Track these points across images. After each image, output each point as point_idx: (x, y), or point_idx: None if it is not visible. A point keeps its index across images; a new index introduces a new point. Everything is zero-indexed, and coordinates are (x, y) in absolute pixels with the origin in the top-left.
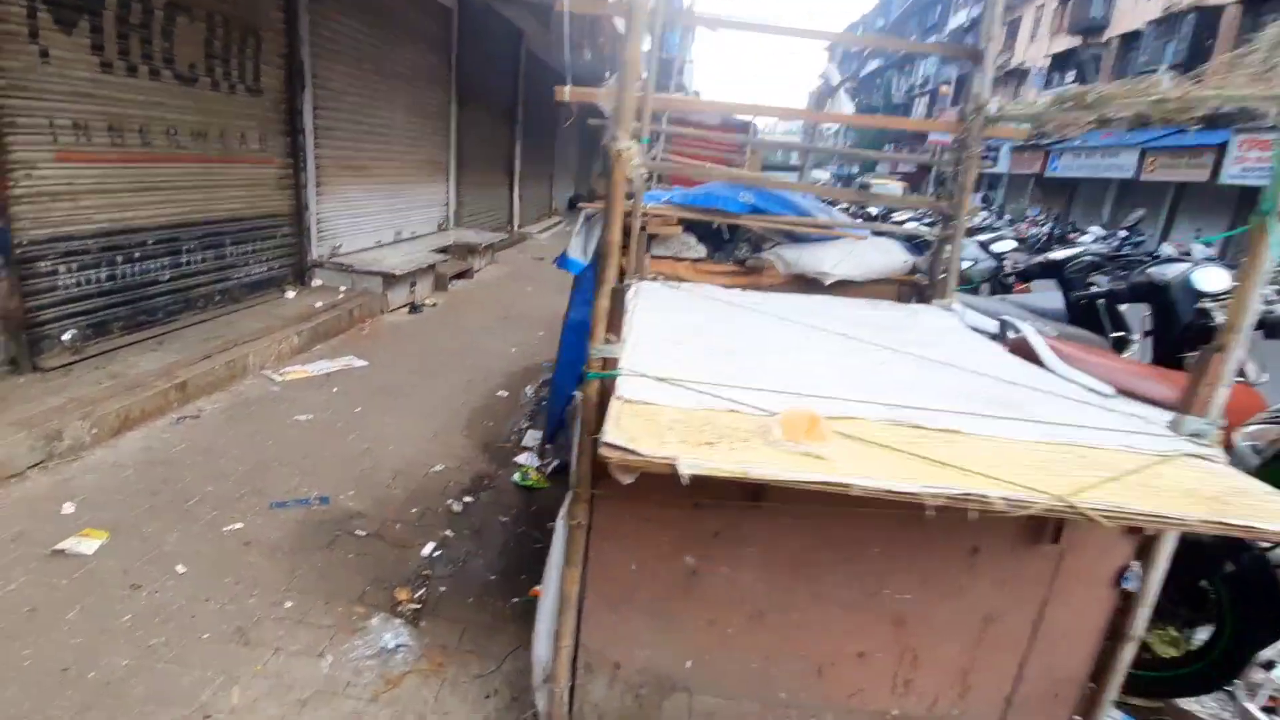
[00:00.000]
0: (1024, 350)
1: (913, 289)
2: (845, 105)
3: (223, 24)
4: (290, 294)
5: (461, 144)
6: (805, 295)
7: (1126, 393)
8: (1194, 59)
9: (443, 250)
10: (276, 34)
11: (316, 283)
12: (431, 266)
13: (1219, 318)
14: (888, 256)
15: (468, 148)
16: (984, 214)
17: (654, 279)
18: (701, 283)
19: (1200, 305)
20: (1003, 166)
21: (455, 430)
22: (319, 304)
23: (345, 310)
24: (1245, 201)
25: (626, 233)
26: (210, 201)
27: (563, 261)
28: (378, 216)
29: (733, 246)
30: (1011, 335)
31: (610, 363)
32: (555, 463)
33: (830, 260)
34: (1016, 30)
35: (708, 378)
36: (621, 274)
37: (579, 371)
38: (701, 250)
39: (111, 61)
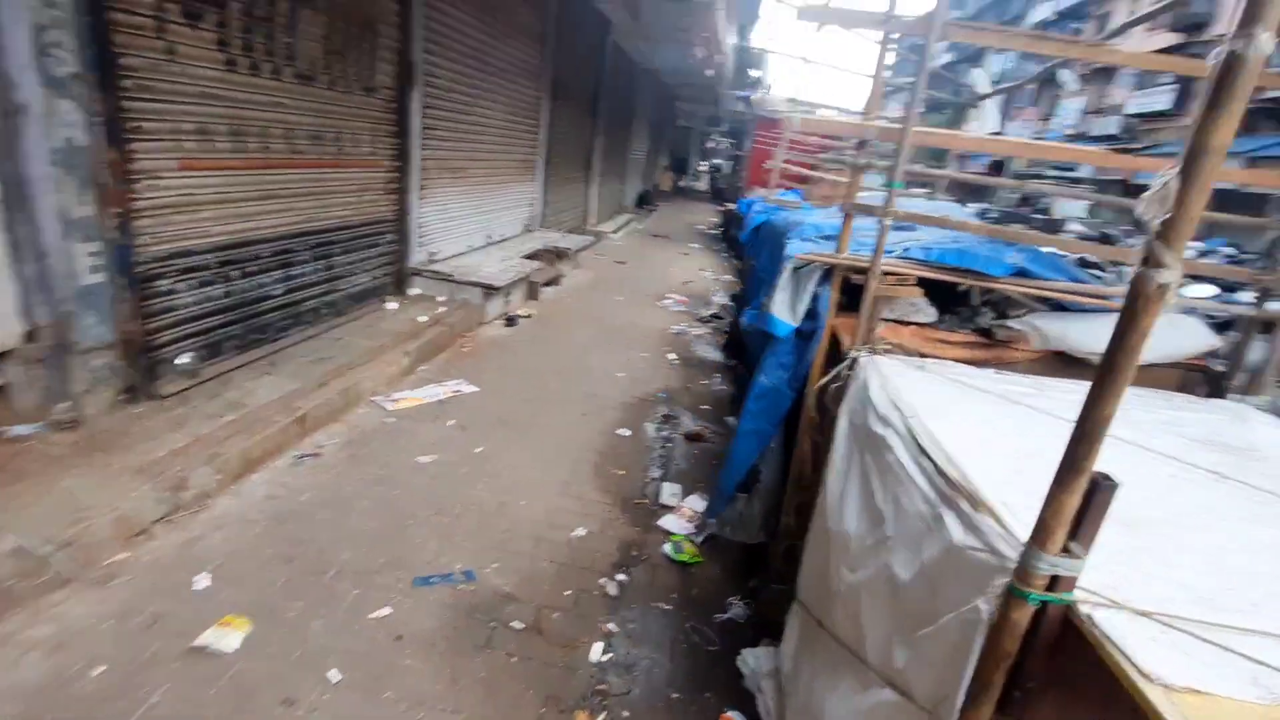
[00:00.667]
0: None
1: (1203, 376)
2: (991, 117)
3: (342, 17)
4: (392, 305)
5: (551, 141)
6: (1078, 385)
7: None
8: None
9: (532, 256)
10: (392, 28)
11: (414, 291)
12: (525, 275)
13: None
14: (1186, 337)
15: (556, 145)
16: None
17: (886, 351)
18: (939, 356)
19: None
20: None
21: (585, 479)
22: (422, 318)
23: (447, 325)
24: None
25: (849, 290)
26: (322, 209)
27: (764, 321)
28: (470, 220)
29: (971, 311)
30: None
31: (1064, 582)
32: (708, 533)
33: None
34: (1107, 23)
35: (1176, 596)
36: (834, 342)
37: (765, 443)
38: (932, 313)
39: (235, 59)
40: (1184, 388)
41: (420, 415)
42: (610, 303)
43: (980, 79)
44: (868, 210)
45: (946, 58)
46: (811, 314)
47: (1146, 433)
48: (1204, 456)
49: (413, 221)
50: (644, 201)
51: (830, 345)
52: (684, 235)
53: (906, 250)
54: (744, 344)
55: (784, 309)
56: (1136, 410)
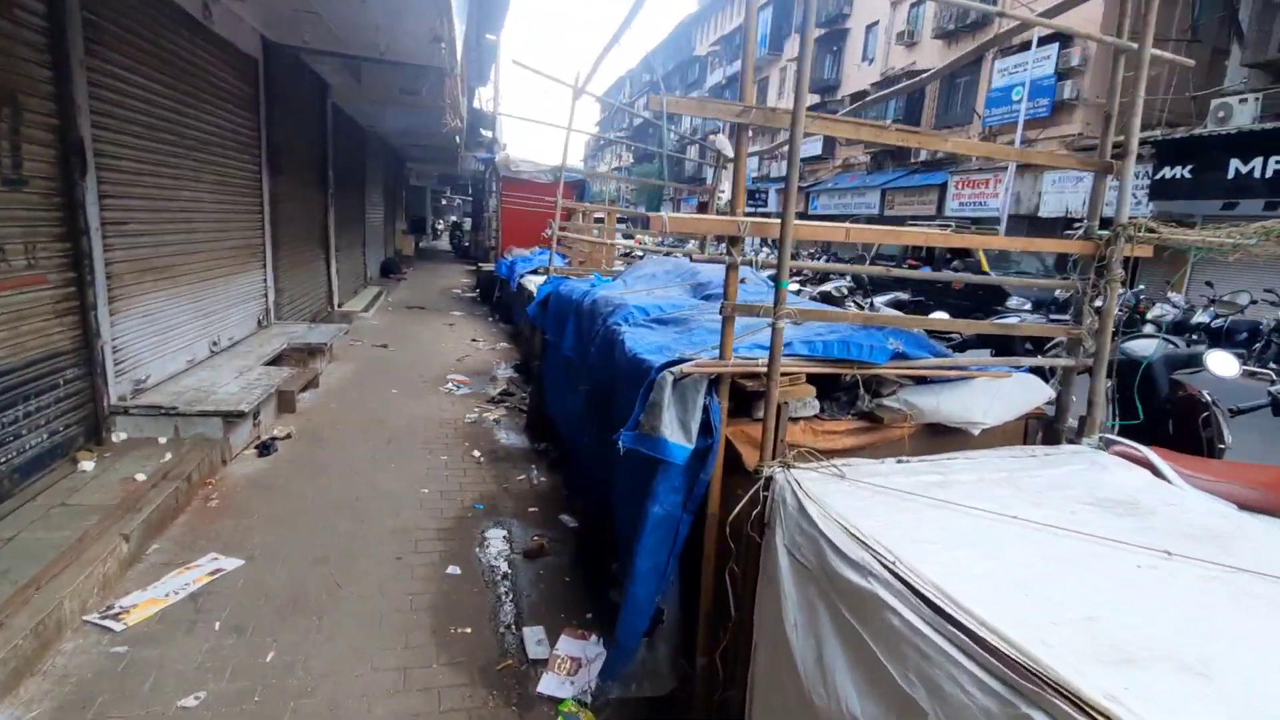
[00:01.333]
0: (1144, 465)
1: (1039, 424)
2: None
3: None
4: (87, 464)
5: (276, 219)
6: (969, 461)
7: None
8: (910, 112)
9: (277, 359)
10: (44, 100)
11: (121, 436)
12: (274, 387)
13: (1206, 395)
14: (1032, 393)
15: (283, 222)
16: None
17: (798, 466)
18: (831, 448)
19: (1176, 378)
20: (772, 205)
21: (427, 655)
22: (140, 474)
23: (179, 476)
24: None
25: (741, 396)
26: None
27: (652, 445)
28: (189, 327)
29: (849, 396)
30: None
31: None
32: (611, 695)
33: (980, 407)
34: (766, 88)
35: None
36: (730, 459)
37: (666, 579)
38: (815, 405)
39: None
40: (1028, 437)
41: (167, 627)
42: (385, 398)
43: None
44: (751, 311)
45: (646, 115)
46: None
47: (1046, 502)
48: (1120, 524)
49: (104, 346)
50: (389, 270)
51: (725, 459)
52: (441, 303)
53: (789, 346)
54: (550, 423)
55: (675, 429)
56: (1017, 471)
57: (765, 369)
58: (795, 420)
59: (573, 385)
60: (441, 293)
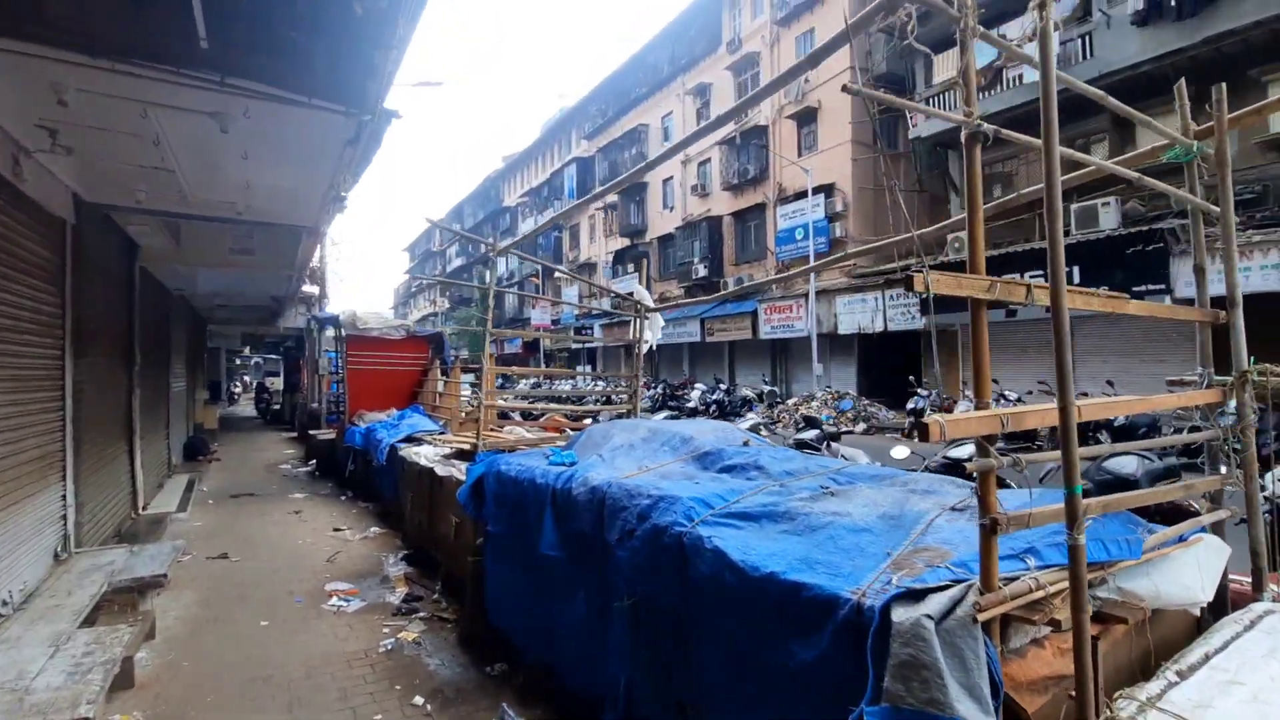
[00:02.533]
0: None
1: None
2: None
3: None
4: None
5: (80, 414)
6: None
7: None
8: (713, 250)
9: (95, 611)
10: None
11: None
12: (111, 668)
13: None
14: (1221, 557)
15: (87, 417)
16: None
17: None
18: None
19: None
20: (599, 339)
21: None
22: None
23: None
24: (778, 349)
25: None
26: None
27: None
28: None
29: None
30: None
31: None
32: None
33: (1195, 582)
34: (579, 234)
35: None
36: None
37: None
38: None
39: None
40: None
41: None
42: (257, 638)
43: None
44: (1020, 522)
45: (458, 261)
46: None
47: None
48: None
49: None
50: (197, 451)
51: None
52: (272, 485)
53: (1035, 553)
54: (500, 636)
55: (964, 701)
56: None
57: (1040, 592)
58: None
59: (563, 593)
60: (268, 471)
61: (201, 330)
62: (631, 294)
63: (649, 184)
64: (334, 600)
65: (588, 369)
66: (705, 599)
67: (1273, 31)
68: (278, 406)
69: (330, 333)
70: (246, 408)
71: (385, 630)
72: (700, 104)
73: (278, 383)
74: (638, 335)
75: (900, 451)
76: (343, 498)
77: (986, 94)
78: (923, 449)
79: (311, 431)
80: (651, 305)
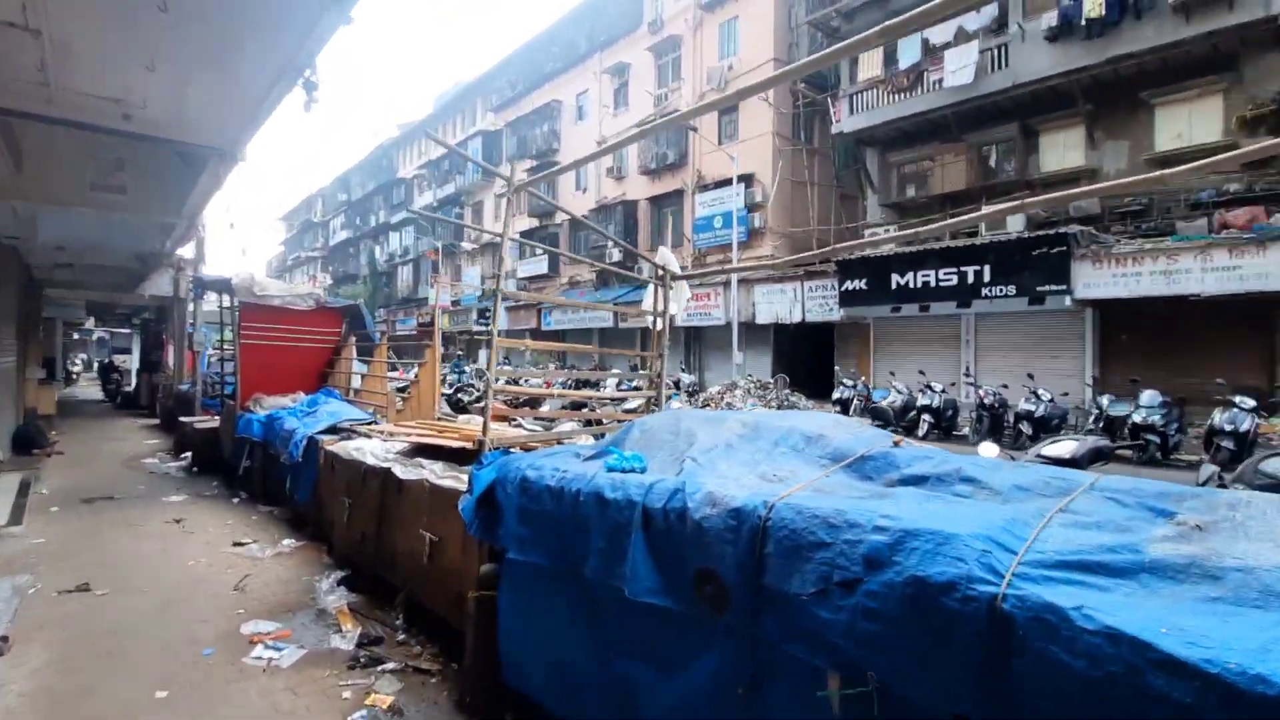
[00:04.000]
0: None
1: None
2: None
3: None
4: None
5: None
6: None
7: None
8: (629, 235)
9: None
10: None
11: None
12: None
13: None
14: None
15: None
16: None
17: None
18: None
19: None
20: (503, 324)
21: None
22: None
23: None
24: (693, 337)
25: None
26: None
27: None
28: None
29: None
30: None
31: None
32: None
33: None
34: (483, 211)
35: None
36: None
37: None
38: None
39: None
40: None
41: None
42: (155, 714)
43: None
44: None
45: (344, 234)
46: None
47: None
48: None
49: None
50: (30, 442)
51: None
52: (139, 484)
53: None
54: (519, 700)
55: None
56: None
57: None
58: None
59: (663, 656)
60: (128, 468)
61: (37, 295)
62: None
63: (560, 163)
64: (259, 650)
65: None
66: (1064, 710)
67: (1162, 58)
68: (130, 388)
69: (213, 302)
70: (89, 389)
71: (345, 695)
72: (618, 83)
73: (129, 360)
74: (661, 308)
75: (989, 449)
76: (235, 500)
77: (908, 94)
78: (1015, 452)
79: (183, 419)
80: (679, 271)
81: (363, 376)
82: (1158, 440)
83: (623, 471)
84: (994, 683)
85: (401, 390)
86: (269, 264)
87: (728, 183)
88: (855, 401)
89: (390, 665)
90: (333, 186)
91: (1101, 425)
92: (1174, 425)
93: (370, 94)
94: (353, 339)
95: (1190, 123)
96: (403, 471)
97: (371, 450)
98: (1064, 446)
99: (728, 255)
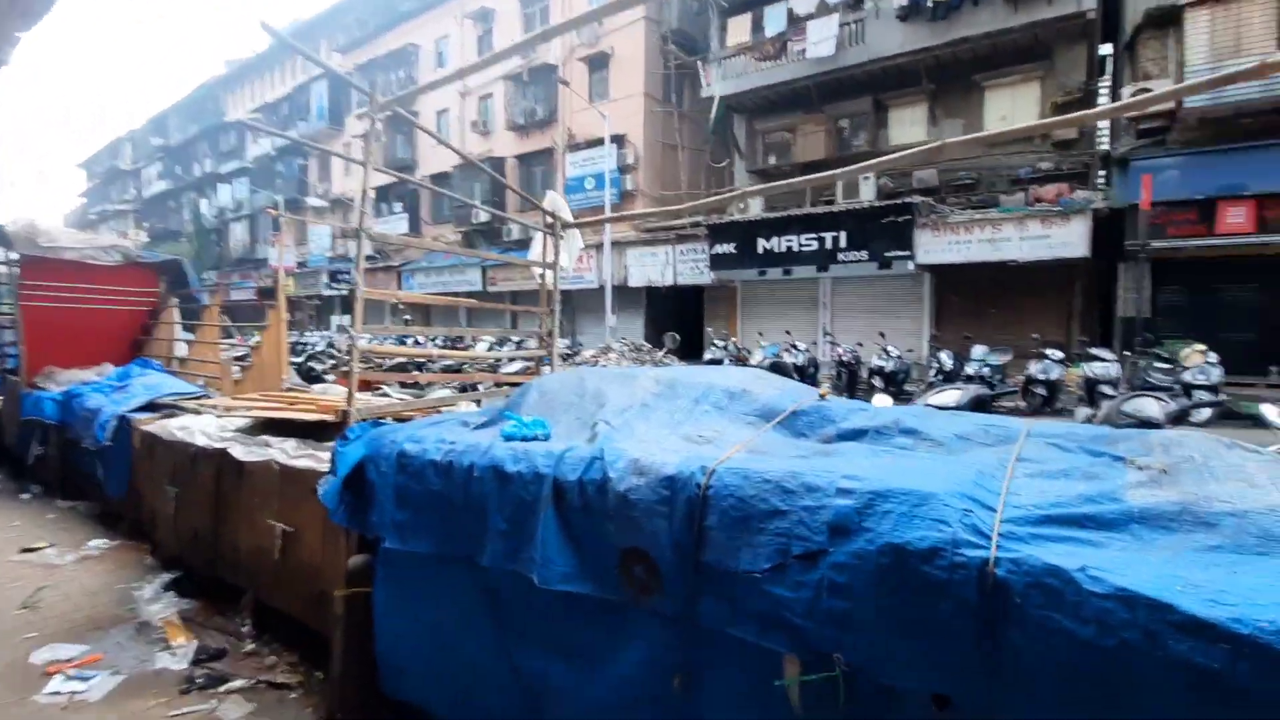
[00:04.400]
0: None
1: None
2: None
3: None
4: None
5: None
6: None
7: None
8: (496, 191)
9: None
10: None
11: None
12: None
13: None
14: None
15: None
16: None
17: None
18: None
19: None
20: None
21: None
22: None
23: None
24: (563, 299)
25: None
26: None
27: None
28: None
29: None
30: None
31: None
32: None
33: None
34: (330, 164)
35: None
36: None
37: None
38: None
39: None
40: None
41: None
42: None
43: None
44: None
45: (162, 185)
46: None
47: None
48: None
49: None
50: None
51: None
52: None
53: None
54: (403, 712)
55: None
56: None
57: None
58: None
59: (583, 650)
60: None
61: None
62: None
63: (419, 114)
64: (58, 682)
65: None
66: (1068, 684)
67: (993, 44)
68: None
69: None
70: None
71: None
72: (482, 30)
73: None
74: (550, 259)
75: (884, 400)
76: (26, 497)
77: (774, 63)
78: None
79: None
80: (570, 219)
81: (189, 344)
82: (1044, 393)
83: (524, 440)
84: (984, 657)
85: (240, 359)
86: (65, 218)
87: (600, 143)
88: (727, 362)
89: (237, 683)
90: (146, 130)
91: (941, 377)
92: (998, 376)
93: (191, 26)
94: (174, 301)
95: (1014, 105)
96: (244, 452)
97: (202, 429)
98: (949, 395)
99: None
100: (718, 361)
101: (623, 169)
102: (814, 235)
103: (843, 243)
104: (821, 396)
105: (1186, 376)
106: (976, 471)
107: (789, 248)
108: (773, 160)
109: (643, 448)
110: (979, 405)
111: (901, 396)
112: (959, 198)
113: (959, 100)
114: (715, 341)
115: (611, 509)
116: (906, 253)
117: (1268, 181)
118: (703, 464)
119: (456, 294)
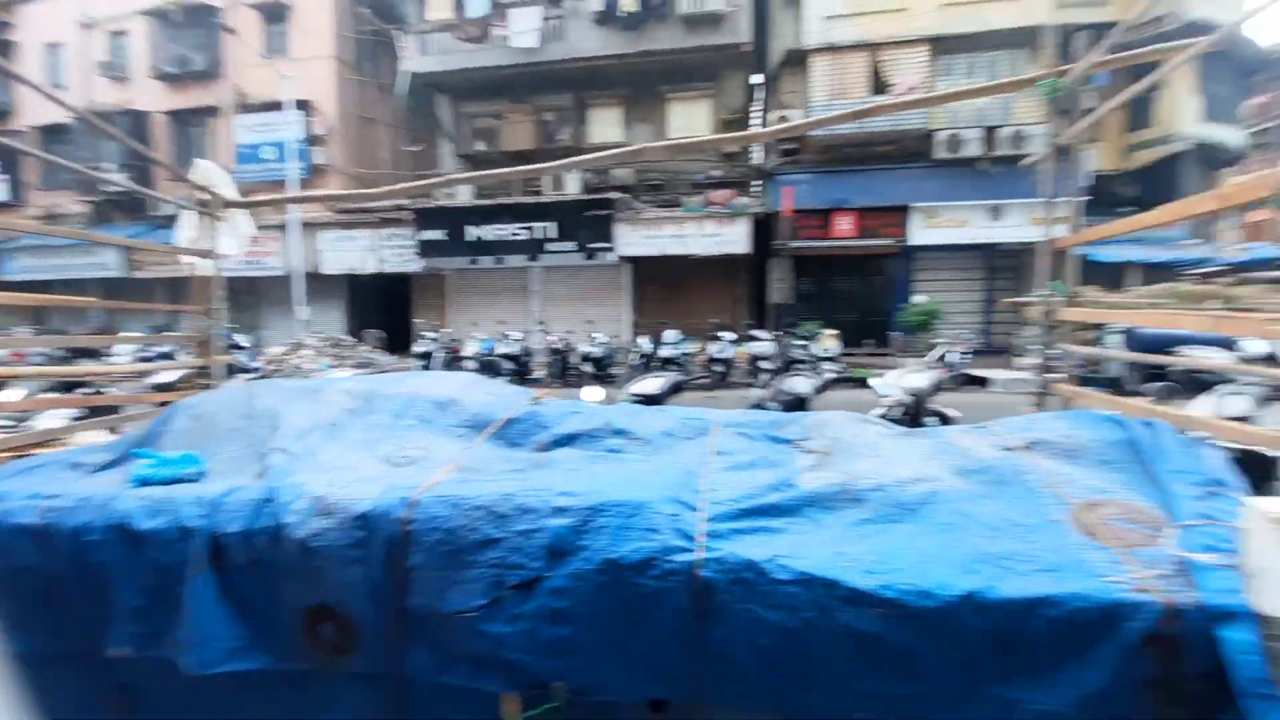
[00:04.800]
0: None
1: None
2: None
3: None
4: None
5: None
6: None
7: None
8: (139, 156)
9: None
10: None
11: None
12: None
13: None
14: None
15: None
16: None
17: None
18: None
19: None
20: None
21: None
22: None
23: None
24: (242, 289)
25: None
26: None
27: None
28: None
29: None
30: None
31: None
32: None
33: None
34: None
35: None
36: None
37: None
38: None
39: None
40: None
41: None
42: None
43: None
44: None
45: None
46: None
47: None
48: None
49: None
50: None
51: None
52: None
53: None
54: None
55: None
56: None
57: None
58: None
59: None
60: None
61: None
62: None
63: (18, 47)
64: None
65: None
66: (763, 666)
67: (675, 60)
68: None
69: None
70: None
71: None
72: None
73: None
74: (203, 245)
75: (595, 393)
76: None
77: (478, 46)
78: (610, 392)
79: None
80: (234, 195)
81: None
82: (722, 369)
83: (165, 484)
84: (696, 656)
85: None
86: None
87: (279, 106)
88: (438, 355)
89: None
90: None
91: (644, 361)
92: (686, 356)
93: None
94: None
95: (690, 118)
96: None
97: None
98: (650, 384)
99: (283, 193)
100: (427, 355)
101: (311, 140)
102: (524, 225)
103: (552, 233)
104: (536, 399)
105: (818, 351)
106: (683, 471)
107: (500, 237)
108: (481, 146)
109: (330, 480)
110: (677, 389)
111: (608, 381)
112: (651, 196)
113: (648, 107)
114: (425, 333)
115: (291, 563)
116: (609, 244)
117: (864, 198)
118: (404, 494)
119: (82, 281)
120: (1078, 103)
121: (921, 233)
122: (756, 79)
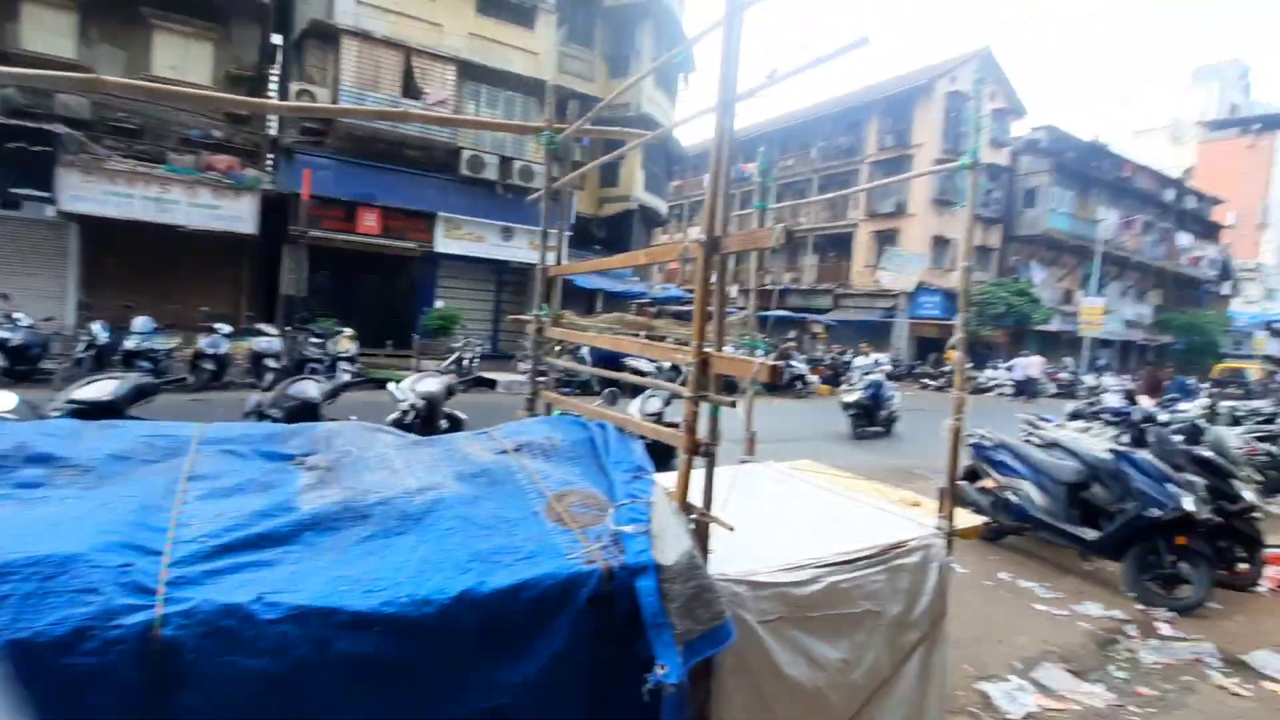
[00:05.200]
0: None
1: None
2: None
3: None
4: None
5: None
6: None
7: None
8: None
9: None
10: None
11: None
12: None
13: None
14: None
15: None
16: None
17: None
18: None
19: None
20: None
21: None
22: None
23: None
24: None
25: None
26: None
27: None
28: None
29: None
30: None
31: None
32: None
33: None
34: None
35: None
36: None
37: None
38: None
39: None
40: None
41: None
42: None
43: None
44: None
45: None
46: None
47: None
48: None
49: None
50: None
51: None
52: None
53: None
54: None
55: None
56: None
57: None
58: None
59: None
60: None
61: None
62: None
63: None
64: None
65: None
66: None
67: None
68: None
69: None
70: None
71: None
72: None
73: None
74: None
75: (8, 399)
76: None
77: None
78: (35, 396)
79: None
80: None
81: None
82: (214, 368)
83: None
84: None
85: None
86: None
87: None
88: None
89: None
90: None
91: (95, 355)
92: (163, 351)
93: None
94: None
95: (185, 59)
96: None
97: None
98: (102, 388)
99: None
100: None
101: None
102: None
103: None
104: None
105: (334, 350)
106: (139, 506)
107: None
108: None
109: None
110: (145, 394)
111: (35, 380)
112: (119, 142)
113: (122, 28)
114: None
115: None
116: (46, 193)
117: (392, 198)
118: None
119: None
120: (570, 154)
121: (445, 241)
122: (277, 39)
